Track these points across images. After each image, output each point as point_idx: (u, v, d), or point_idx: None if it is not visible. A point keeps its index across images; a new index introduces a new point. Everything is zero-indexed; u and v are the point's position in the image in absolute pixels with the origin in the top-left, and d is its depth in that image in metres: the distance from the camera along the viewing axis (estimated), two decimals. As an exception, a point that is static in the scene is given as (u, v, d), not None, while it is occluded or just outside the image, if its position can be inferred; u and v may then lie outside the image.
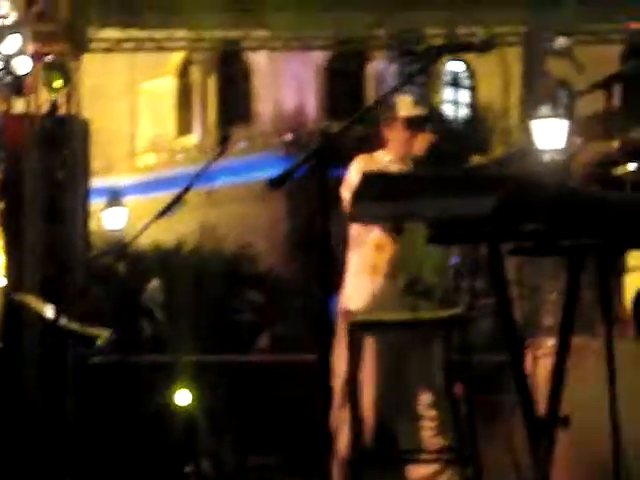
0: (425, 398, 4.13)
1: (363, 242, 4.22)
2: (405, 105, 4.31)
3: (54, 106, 8.45)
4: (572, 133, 10.74)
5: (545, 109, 10.84)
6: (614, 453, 3.13)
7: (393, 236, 3.99)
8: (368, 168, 4.24)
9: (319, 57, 18.13)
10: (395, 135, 4.29)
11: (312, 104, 18.66)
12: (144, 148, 20.49)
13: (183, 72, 19.96)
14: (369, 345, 4.10)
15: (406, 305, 4.11)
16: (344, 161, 3.89)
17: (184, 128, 20.15)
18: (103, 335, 5.12)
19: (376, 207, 2.73)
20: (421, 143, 4.26)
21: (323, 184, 2.57)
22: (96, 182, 12.16)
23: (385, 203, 2.70)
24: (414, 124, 4.23)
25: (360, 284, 4.25)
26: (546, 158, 10.46)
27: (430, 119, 4.29)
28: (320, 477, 2.83)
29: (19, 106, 8.47)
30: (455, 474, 3.99)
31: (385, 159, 4.32)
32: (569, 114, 11.41)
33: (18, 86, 8.12)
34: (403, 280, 4.17)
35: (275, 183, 2.60)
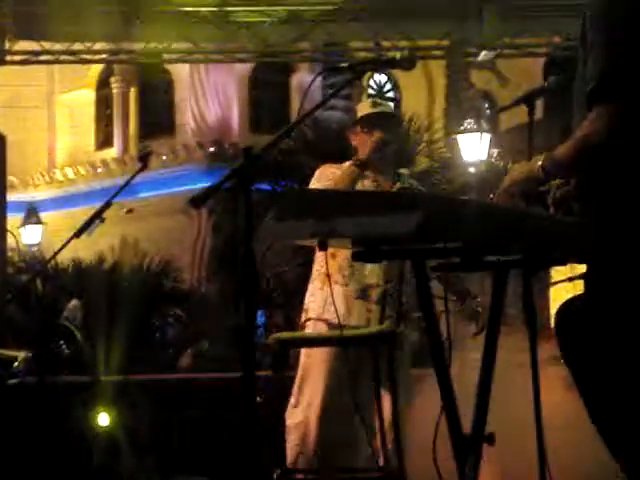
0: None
1: (317, 252, 4.20)
2: (364, 107, 4.31)
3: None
4: (495, 146, 10.90)
5: (468, 122, 10.98)
6: (540, 468, 3.15)
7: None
8: (324, 176, 4.22)
9: (243, 68, 18.09)
10: (358, 139, 4.28)
11: (236, 115, 18.59)
12: (63, 161, 20.18)
13: (103, 84, 19.72)
14: (319, 355, 4.08)
15: (362, 311, 4.10)
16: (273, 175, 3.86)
17: (104, 141, 19.90)
18: (20, 356, 5.00)
19: (296, 225, 2.70)
20: (372, 143, 4.22)
21: (247, 202, 2.53)
22: (12, 196, 11.95)
23: (305, 221, 2.67)
24: (369, 122, 4.22)
25: (315, 292, 4.23)
26: (469, 171, 10.59)
27: (384, 117, 4.27)
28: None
29: None
30: None
31: (348, 164, 4.28)
32: (492, 127, 11.57)
33: None
34: (354, 287, 4.16)
35: (196, 202, 2.55)
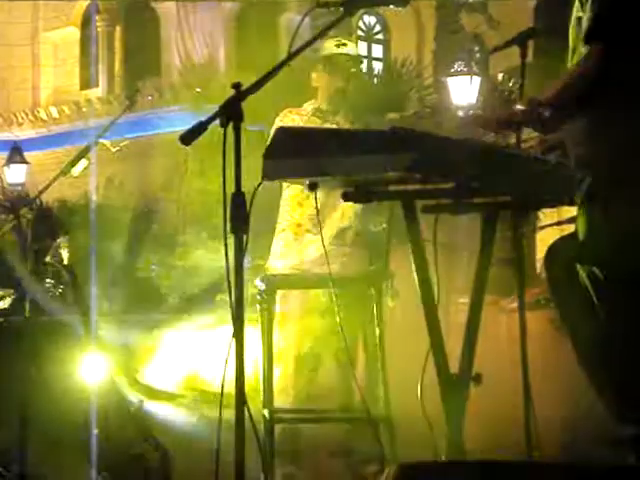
0: None
1: (284, 198, 4.19)
2: (328, 46, 4.26)
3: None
4: (485, 89, 10.84)
5: (459, 65, 10.90)
6: (525, 409, 3.17)
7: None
8: (289, 122, 4.19)
9: (230, 7, 17.86)
10: (319, 81, 4.23)
11: (223, 55, 18.40)
12: (47, 100, 19.97)
13: (87, 22, 19.44)
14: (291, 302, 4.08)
15: (337, 256, 4.10)
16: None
17: (89, 80, 19.68)
18: (5, 296, 4.97)
19: (288, 164, 2.67)
20: (333, 88, 4.20)
21: (236, 138, 2.50)
22: (-4, 135, 11.83)
23: (297, 160, 2.64)
24: (331, 64, 4.17)
25: (286, 243, 4.21)
26: (460, 114, 10.53)
27: (347, 59, 4.23)
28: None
29: None
30: None
31: (309, 109, 4.25)
32: (483, 70, 11.49)
33: None
34: (328, 233, 4.14)
35: (186, 138, 2.52)
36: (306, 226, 4.15)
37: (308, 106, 4.29)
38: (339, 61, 4.19)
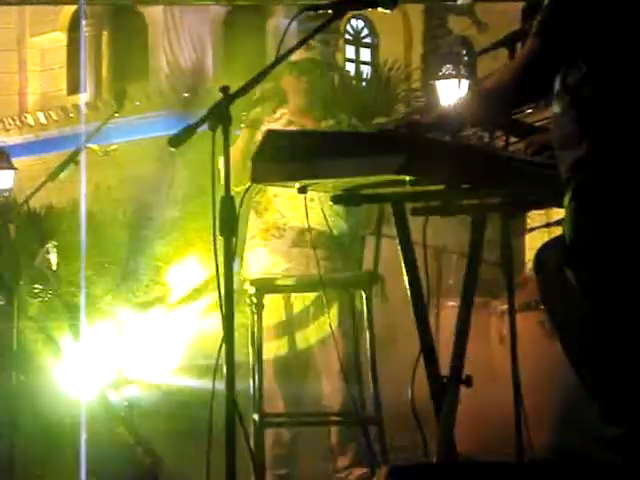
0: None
1: (252, 206, 4.21)
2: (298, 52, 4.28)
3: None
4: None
5: (447, 68, 10.91)
6: (516, 411, 3.17)
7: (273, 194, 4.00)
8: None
9: (217, 11, 17.85)
10: (287, 84, 4.25)
11: (210, 60, 18.39)
12: (34, 106, 19.92)
13: (74, 27, 19.40)
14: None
15: (300, 259, 4.10)
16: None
17: (76, 85, 19.63)
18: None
19: (277, 167, 2.67)
20: (300, 91, 4.22)
21: (225, 141, 2.50)
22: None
23: (286, 163, 2.64)
24: (297, 68, 4.20)
25: (255, 249, 4.22)
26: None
27: (319, 63, 4.27)
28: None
29: None
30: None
31: (276, 118, 4.26)
32: (471, 73, 11.51)
33: None
34: (290, 236, 4.16)
35: (175, 141, 2.51)
36: (271, 231, 4.18)
37: (278, 116, 4.30)
38: (304, 65, 4.22)
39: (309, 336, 4.20)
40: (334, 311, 4.09)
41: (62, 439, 4.35)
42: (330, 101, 4.67)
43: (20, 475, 4.23)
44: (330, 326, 3.80)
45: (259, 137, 4.07)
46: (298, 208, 4.04)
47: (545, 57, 2.56)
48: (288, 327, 4.18)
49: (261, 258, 4.22)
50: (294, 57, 4.18)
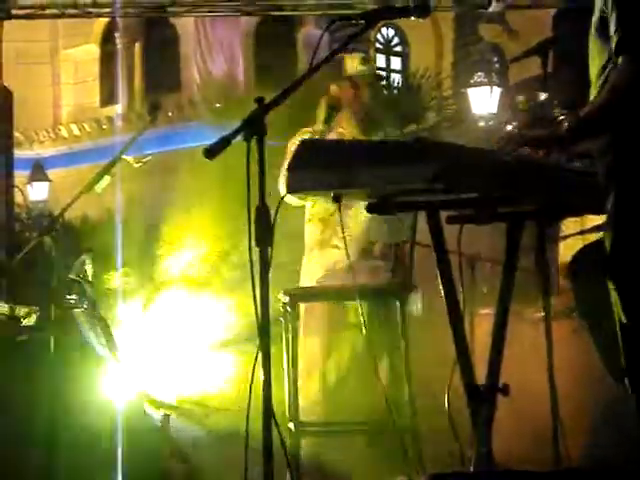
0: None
1: (308, 218, 4.22)
2: (352, 63, 4.32)
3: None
4: (506, 100, 10.82)
5: (478, 76, 10.90)
6: (553, 420, 3.15)
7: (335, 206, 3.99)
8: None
9: (249, 22, 17.92)
10: (343, 92, 4.29)
11: (242, 71, 18.47)
12: (68, 118, 20.10)
13: (107, 39, 19.57)
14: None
15: (365, 270, 4.12)
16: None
17: (109, 97, 19.79)
18: (31, 313, 5.00)
19: (312, 176, 2.68)
20: (360, 100, 4.27)
21: (260, 151, 2.51)
22: (18, 153, 11.90)
23: (321, 172, 2.65)
24: (359, 79, 4.24)
25: (312, 260, 4.24)
26: (480, 125, 10.53)
27: (376, 77, 4.32)
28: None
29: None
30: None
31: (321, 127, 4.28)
32: (503, 81, 11.49)
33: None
34: (355, 248, 4.17)
35: (211, 152, 2.53)
36: (332, 242, 4.19)
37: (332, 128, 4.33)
38: (364, 78, 4.27)
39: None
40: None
41: (99, 449, 4.38)
42: (380, 114, 4.71)
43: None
44: (367, 335, 3.79)
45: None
46: (358, 220, 4.07)
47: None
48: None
49: (318, 268, 4.24)
50: (354, 66, 4.24)
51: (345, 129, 4.31)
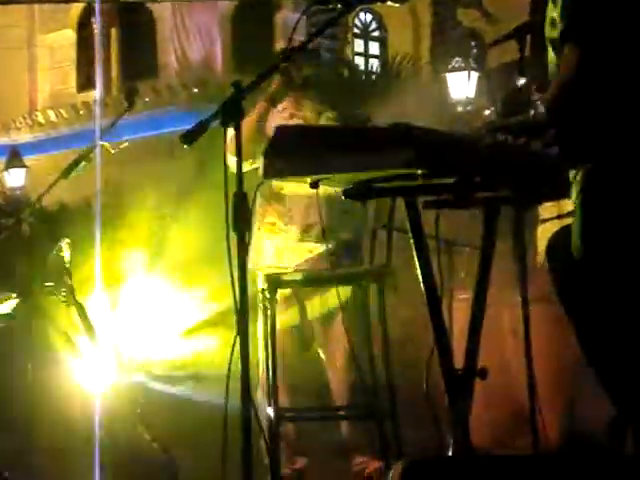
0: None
1: (258, 200, 4.22)
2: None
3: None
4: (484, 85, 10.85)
5: (456, 61, 10.91)
6: (530, 403, 3.17)
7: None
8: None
9: (226, 6, 17.85)
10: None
11: (219, 55, 18.40)
12: (44, 104, 19.97)
13: (84, 24, 19.44)
14: None
15: (303, 253, 4.12)
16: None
17: (86, 82, 19.67)
18: (7, 299, 4.97)
19: (289, 162, 2.67)
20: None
21: (237, 137, 2.50)
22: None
23: (298, 158, 2.64)
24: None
25: (262, 242, 4.23)
26: (458, 110, 10.54)
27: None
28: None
29: None
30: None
31: (279, 111, 4.26)
32: (481, 66, 11.50)
33: None
34: (295, 230, 4.18)
35: (187, 138, 2.52)
36: (278, 225, 4.20)
37: (282, 109, 4.30)
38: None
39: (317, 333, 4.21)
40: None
41: (78, 435, 4.37)
42: (331, 94, 4.65)
43: (38, 470, 4.26)
44: (347, 320, 3.80)
45: (276, 118, 4.10)
46: (302, 203, 4.05)
47: (584, 63, 2.50)
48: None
49: (267, 251, 4.23)
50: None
51: (293, 110, 4.27)
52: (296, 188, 3.86)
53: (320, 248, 4.11)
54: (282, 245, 4.20)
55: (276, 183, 4.10)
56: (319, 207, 3.26)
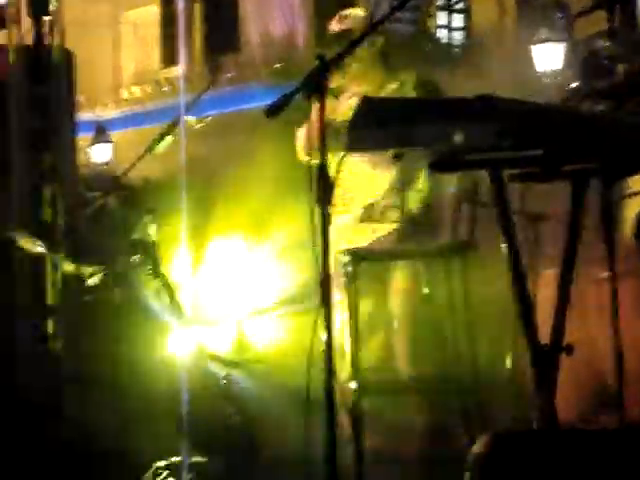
0: None
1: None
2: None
3: (39, 37, 8.23)
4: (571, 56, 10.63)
5: (542, 32, 10.70)
6: (617, 379, 3.12)
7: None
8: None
9: (307, -19, 17.82)
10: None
11: (302, 30, 18.38)
12: (129, 80, 20.23)
13: (167, 0, 19.61)
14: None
15: (367, 233, 4.11)
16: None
17: (169, 58, 19.86)
18: (96, 273, 5.06)
19: (372, 135, 2.66)
20: None
21: (321, 109, 2.49)
22: (81, 115, 12.01)
23: (382, 130, 2.63)
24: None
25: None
26: (543, 82, 10.36)
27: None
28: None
29: (0, 38, 8.26)
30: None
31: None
32: (566, 37, 11.27)
33: (-2, 17, 7.90)
34: (357, 211, 4.16)
35: (272, 111, 2.52)
36: (337, 207, 4.18)
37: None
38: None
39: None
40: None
41: (162, 408, 4.45)
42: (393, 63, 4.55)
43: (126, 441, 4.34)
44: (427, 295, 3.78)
45: (341, 107, 4.06)
46: (362, 184, 4.04)
47: None
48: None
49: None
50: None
51: (352, 86, 4.21)
52: (354, 168, 3.85)
53: (384, 227, 4.09)
54: (342, 227, 4.18)
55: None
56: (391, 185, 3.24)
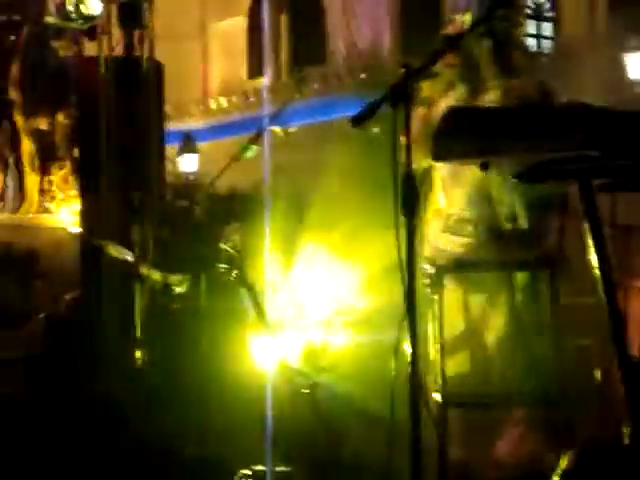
0: None
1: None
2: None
3: (129, 48, 8.38)
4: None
5: (634, 40, 10.49)
6: None
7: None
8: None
9: (393, -8, 17.81)
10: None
11: (387, 40, 18.37)
12: (216, 91, 20.47)
13: (254, 11, 19.80)
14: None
15: (447, 242, 4.07)
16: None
17: (256, 69, 20.04)
18: (183, 281, 5.13)
19: (459, 144, 2.63)
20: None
21: (407, 119, 2.48)
22: (169, 125, 12.21)
23: (469, 140, 2.60)
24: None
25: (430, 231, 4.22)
26: (636, 91, 10.15)
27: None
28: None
29: (91, 49, 8.43)
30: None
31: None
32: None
33: (89, 28, 8.07)
34: (440, 221, 4.13)
35: (358, 120, 2.51)
36: (430, 214, 4.15)
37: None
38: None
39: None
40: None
41: (249, 415, 4.47)
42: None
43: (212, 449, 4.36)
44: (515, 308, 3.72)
45: (433, 116, 4.03)
46: (451, 195, 4.01)
47: None
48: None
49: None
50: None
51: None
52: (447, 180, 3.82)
53: (462, 240, 4.04)
54: (431, 236, 4.15)
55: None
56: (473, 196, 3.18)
